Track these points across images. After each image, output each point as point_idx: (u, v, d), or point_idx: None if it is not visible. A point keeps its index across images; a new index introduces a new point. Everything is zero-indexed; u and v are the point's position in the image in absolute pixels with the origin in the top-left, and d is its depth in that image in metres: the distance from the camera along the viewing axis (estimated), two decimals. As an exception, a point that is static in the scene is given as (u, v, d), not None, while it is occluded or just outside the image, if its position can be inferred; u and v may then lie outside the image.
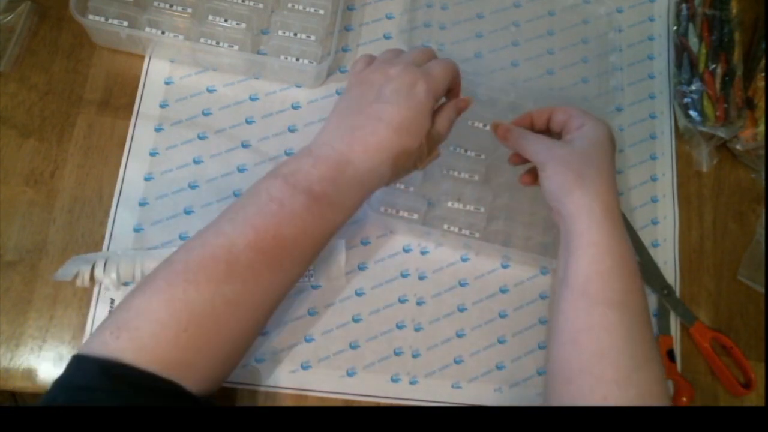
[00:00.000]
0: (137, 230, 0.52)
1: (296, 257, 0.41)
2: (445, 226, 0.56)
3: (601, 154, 0.46)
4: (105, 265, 0.49)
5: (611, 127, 0.48)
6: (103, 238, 0.52)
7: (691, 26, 0.67)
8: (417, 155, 0.44)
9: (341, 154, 0.41)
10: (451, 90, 0.47)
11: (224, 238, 0.39)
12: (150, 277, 0.39)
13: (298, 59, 0.57)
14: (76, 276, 0.49)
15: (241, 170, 0.56)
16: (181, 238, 0.53)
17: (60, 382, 0.36)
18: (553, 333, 0.45)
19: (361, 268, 0.55)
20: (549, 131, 0.51)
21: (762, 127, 0.63)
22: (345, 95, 0.45)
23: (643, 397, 0.40)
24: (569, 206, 0.44)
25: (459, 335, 0.55)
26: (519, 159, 0.52)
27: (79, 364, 0.36)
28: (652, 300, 0.60)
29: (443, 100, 0.48)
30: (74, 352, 0.48)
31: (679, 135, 0.66)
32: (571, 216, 0.44)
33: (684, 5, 0.68)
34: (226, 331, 0.39)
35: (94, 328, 0.49)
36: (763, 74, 0.65)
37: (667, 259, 0.62)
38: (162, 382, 0.36)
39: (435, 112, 0.45)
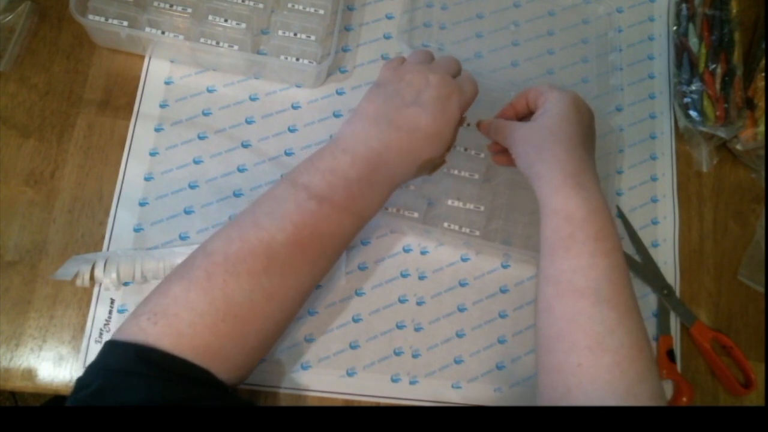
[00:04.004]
0: (137, 230, 0.52)
1: (330, 253, 0.43)
2: (445, 225, 0.56)
3: (563, 124, 0.45)
4: (105, 265, 0.49)
5: (579, 96, 0.48)
6: (103, 238, 0.52)
7: (691, 26, 0.67)
8: (436, 162, 0.46)
9: (378, 154, 0.42)
10: None
11: (264, 233, 0.40)
12: (187, 266, 0.39)
13: (298, 59, 0.57)
14: (76, 276, 0.49)
15: (241, 170, 0.56)
16: (181, 238, 0.53)
17: (95, 366, 0.36)
18: (535, 306, 0.45)
19: (361, 268, 0.55)
20: (532, 114, 0.52)
21: (762, 127, 0.63)
22: (380, 88, 0.45)
23: (619, 364, 0.39)
24: (533, 179, 0.45)
25: (459, 335, 0.55)
26: (499, 151, 0.53)
27: (114, 349, 0.37)
28: (652, 300, 0.60)
29: None
30: (74, 351, 0.49)
31: (679, 135, 0.66)
32: (536, 188, 0.45)
33: (684, 5, 0.68)
34: (261, 321, 0.40)
35: (94, 328, 0.50)
36: (763, 74, 0.65)
37: (667, 259, 0.62)
38: (196, 370, 0.37)
39: None
